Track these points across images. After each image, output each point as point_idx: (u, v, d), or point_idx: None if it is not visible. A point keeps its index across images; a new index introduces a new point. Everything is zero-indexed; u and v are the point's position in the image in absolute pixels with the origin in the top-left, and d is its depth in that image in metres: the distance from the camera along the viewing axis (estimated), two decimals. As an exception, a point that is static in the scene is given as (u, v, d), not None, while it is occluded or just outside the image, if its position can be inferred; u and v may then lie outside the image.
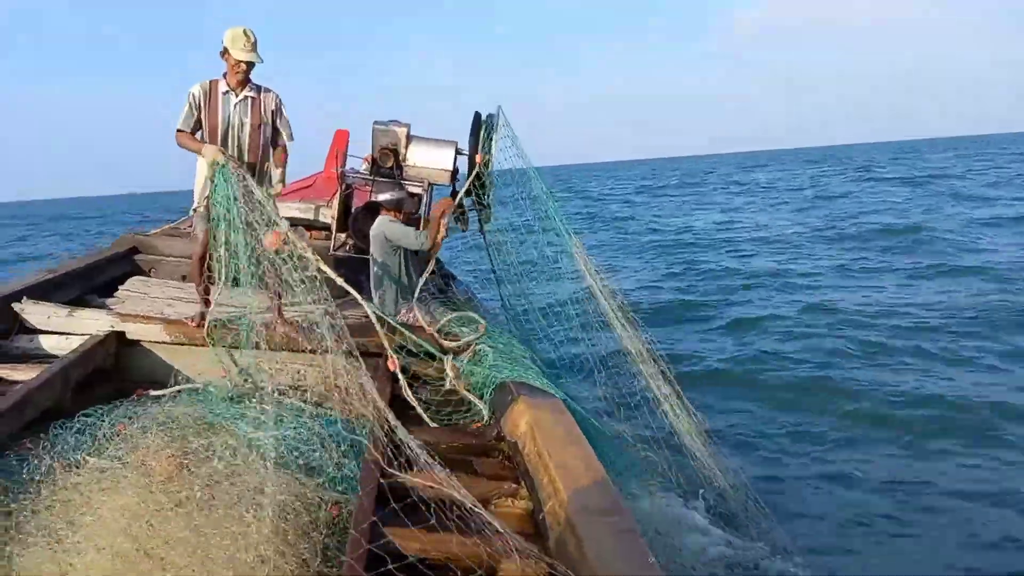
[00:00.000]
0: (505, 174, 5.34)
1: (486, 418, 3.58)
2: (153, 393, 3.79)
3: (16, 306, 3.94)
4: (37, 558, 2.38)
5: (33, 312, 3.97)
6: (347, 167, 6.60)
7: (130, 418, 3.27)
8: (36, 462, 2.81)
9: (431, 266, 4.67)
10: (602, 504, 2.44)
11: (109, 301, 4.39)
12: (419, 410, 3.69)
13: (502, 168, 5.32)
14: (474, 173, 4.97)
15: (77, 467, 2.83)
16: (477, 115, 5.46)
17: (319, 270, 3.70)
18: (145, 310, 4.26)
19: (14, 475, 2.73)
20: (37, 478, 2.73)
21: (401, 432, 3.44)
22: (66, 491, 2.69)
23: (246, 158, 4.04)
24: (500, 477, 3.15)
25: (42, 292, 4.18)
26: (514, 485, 3.06)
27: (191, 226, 6.89)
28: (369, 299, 4.31)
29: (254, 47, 3.98)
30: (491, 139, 5.24)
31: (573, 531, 2.40)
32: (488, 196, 5.28)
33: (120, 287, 4.66)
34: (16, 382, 3.46)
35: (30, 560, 2.41)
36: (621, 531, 2.30)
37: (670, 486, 3.78)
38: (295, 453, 3.21)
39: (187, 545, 2.47)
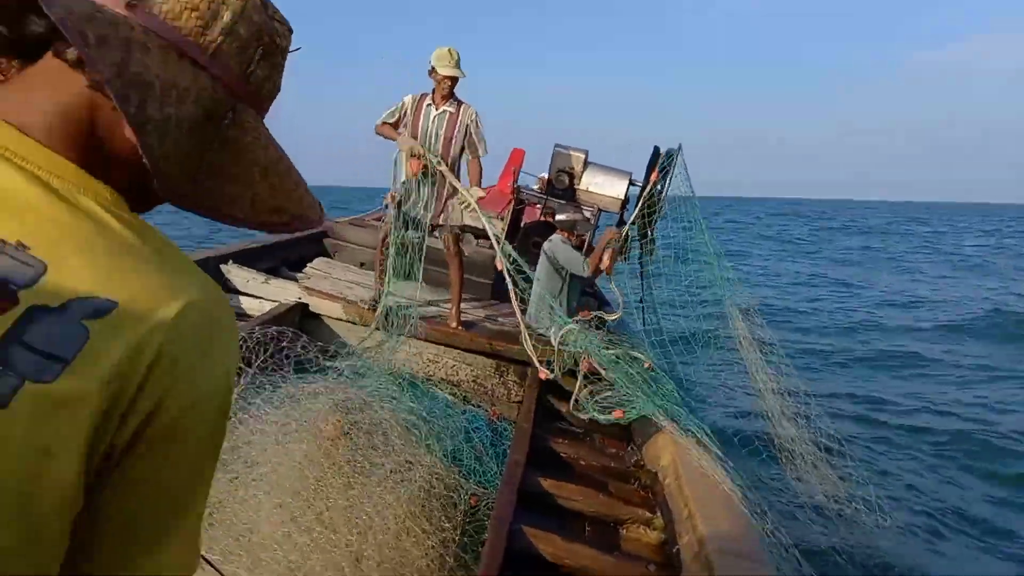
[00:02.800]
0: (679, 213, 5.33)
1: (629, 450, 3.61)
2: (328, 363, 4.14)
3: (223, 267, 4.45)
4: (220, 485, 2.66)
5: (236, 275, 4.46)
6: (518, 185, 6.88)
7: (306, 383, 3.58)
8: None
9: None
10: (742, 547, 2.41)
11: (298, 275, 4.83)
12: (565, 420, 3.77)
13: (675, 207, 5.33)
14: (641, 203, 5.02)
15: (261, 418, 3.13)
16: (656, 149, 5.52)
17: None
18: (327, 288, 4.66)
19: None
20: (231, 416, 3.06)
21: (544, 439, 3.56)
22: (248, 436, 2.99)
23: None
24: (635, 504, 3.17)
25: (244, 259, 4.68)
26: (648, 514, 3.07)
27: (377, 219, 7.44)
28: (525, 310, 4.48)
29: (457, 64, 4.32)
30: (667, 176, 5.27)
31: (709, 570, 2.39)
32: (654, 230, 5.32)
33: (308, 264, 5.12)
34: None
35: (216, 486, 2.71)
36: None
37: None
38: (445, 441, 3.40)
39: (343, 504, 2.69)
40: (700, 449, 3.25)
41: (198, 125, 0.60)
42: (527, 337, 4.13)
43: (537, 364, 4.01)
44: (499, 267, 4.29)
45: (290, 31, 0.70)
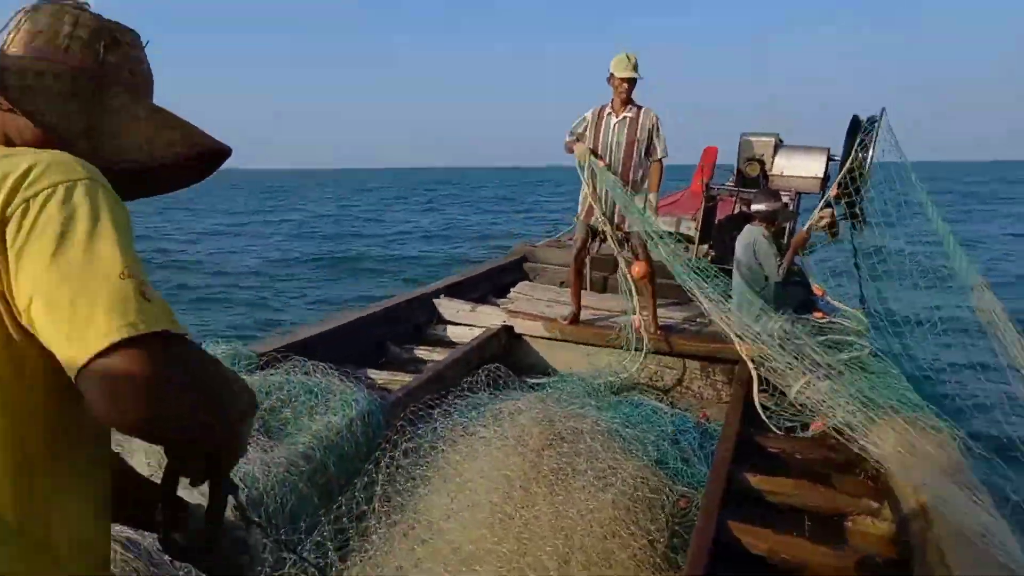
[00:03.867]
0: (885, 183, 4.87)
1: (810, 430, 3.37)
2: (532, 381, 4.34)
3: (435, 300, 4.85)
4: (436, 495, 2.90)
5: (446, 306, 4.84)
6: (714, 181, 6.71)
7: (513, 400, 3.78)
8: (444, 425, 3.44)
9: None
10: (976, 532, 2.17)
11: (502, 301, 5.12)
12: (765, 418, 3.61)
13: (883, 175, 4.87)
14: (840, 175, 4.66)
15: (469, 434, 3.37)
16: (855, 118, 5.13)
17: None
18: (529, 309, 4.88)
19: (426, 431, 3.36)
20: (443, 435, 3.34)
21: (754, 435, 3.43)
22: (459, 451, 3.22)
23: (618, 173, 4.43)
24: (860, 494, 2.95)
25: (454, 292, 5.06)
26: (875, 504, 2.85)
27: (571, 239, 7.64)
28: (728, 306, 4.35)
29: (635, 67, 4.37)
30: (870, 143, 4.85)
31: (943, 560, 2.18)
32: (862, 204, 4.91)
33: (512, 290, 5.40)
34: (432, 361, 4.26)
35: (430, 500, 2.95)
36: (1000, 566, 2.03)
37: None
38: (648, 446, 3.40)
39: (549, 511, 2.81)
40: (929, 434, 2.95)
41: (69, 97, 0.89)
42: (733, 335, 4.00)
43: (736, 342, 3.87)
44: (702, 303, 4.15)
45: (130, 30, 0.98)
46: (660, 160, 4.50)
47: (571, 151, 4.59)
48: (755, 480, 3.01)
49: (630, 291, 4.55)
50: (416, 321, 4.80)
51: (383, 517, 2.78)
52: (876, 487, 2.99)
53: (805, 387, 3.61)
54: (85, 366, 0.70)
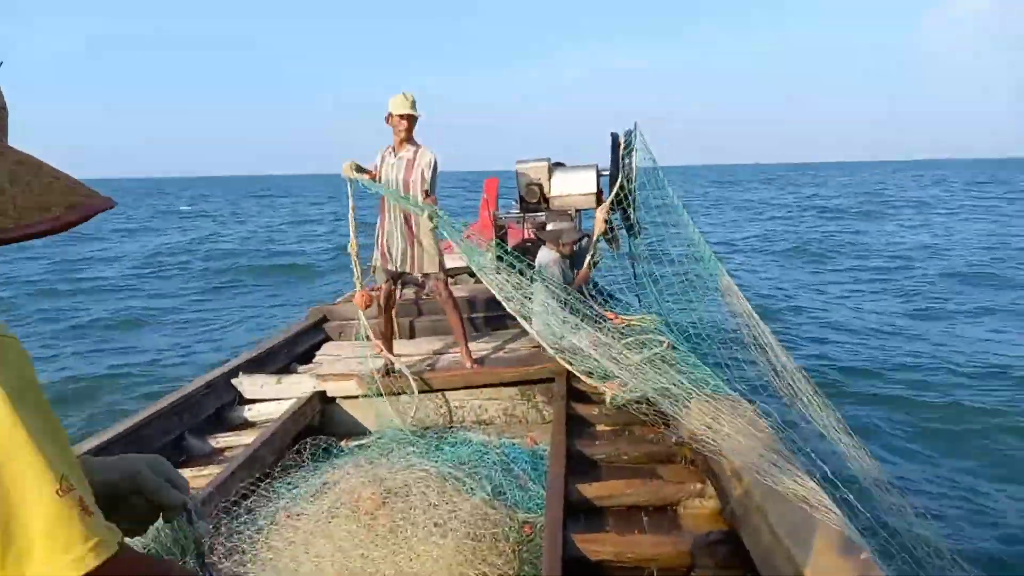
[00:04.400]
0: (651, 194, 5.29)
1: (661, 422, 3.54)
2: (353, 443, 4.14)
3: (234, 381, 4.48)
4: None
5: (248, 384, 4.49)
6: (500, 211, 6.90)
7: (336, 468, 3.57)
8: (263, 514, 3.16)
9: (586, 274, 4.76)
10: (788, 489, 2.34)
11: (307, 368, 4.86)
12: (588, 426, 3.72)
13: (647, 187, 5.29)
14: (616, 185, 5.00)
15: (297, 516, 3.12)
16: (614, 135, 5.52)
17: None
18: (339, 370, 4.67)
19: (245, 522, 3.06)
20: (265, 524, 3.06)
21: (581, 447, 3.50)
22: (285, 536, 2.98)
23: (400, 212, 4.41)
24: (685, 480, 3.10)
25: (253, 367, 4.71)
26: (700, 485, 3.01)
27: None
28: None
29: (412, 105, 4.37)
30: (630, 155, 5.25)
31: (762, 515, 2.32)
32: (634, 211, 5.28)
33: (317, 353, 5.14)
34: (240, 445, 3.92)
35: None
36: (814, 509, 2.20)
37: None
38: (483, 481, 3.36)
39: (392, 570, 2.67)
40: (734, 411, 3.17)
41: None
42: (551, 350, 4.11)
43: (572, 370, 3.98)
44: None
45: None
46: (432, 203, 4.46)
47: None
48: (590, 490, 3.06)
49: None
50: (213, 407, 4.40)
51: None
52: (698, 470, 3.15)
53: (620, 388, 3.77)
54: None
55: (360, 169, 4.48)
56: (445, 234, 4.38)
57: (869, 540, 2.20)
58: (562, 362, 4.05)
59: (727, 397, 3.33)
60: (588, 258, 4.94)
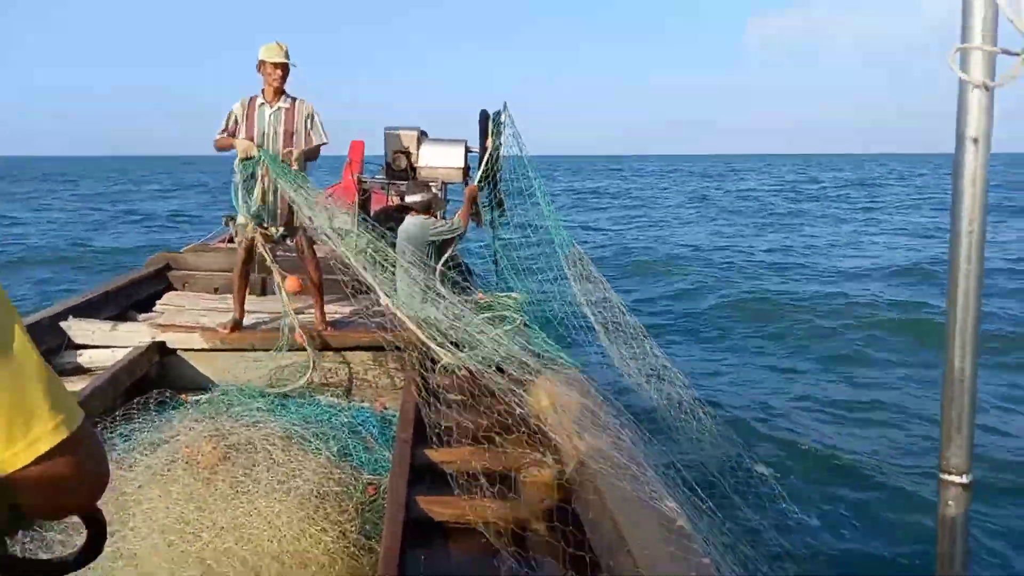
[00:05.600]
0: (514, 173, 5.46)
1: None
2: (193, 398, 4.00)
3: (63, 324, 4.18)
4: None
5: (78, 329, 4.20)
6: (364, 175, 6.81)
7: (175, 422, 3.46)
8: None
9: (450, 251, 4.82)
10: (618, 460, 2.56)
11: (146, 316, 4.61)
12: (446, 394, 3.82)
13: (511, 166, 5.45)
14: (485, 160, 5.11)
15: (130, 467, 3.01)
16: (484, 112, 5.61)
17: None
18: (182, 321, 4.48)
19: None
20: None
21: (429, 414, 3.60)
22: (121, 485, 2.86)
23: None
24: (525, 449, 3.28)
25: (86, 311, 4.42)
26: (539, 455, 3.19)
27: (220, 242, 7.17)
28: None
29: (286, 54, 4.24)
30: (499, 133, 5.37)
31: (594, 481, 2.53)
32: (499, 189, 5.43)
33: (157, 302, 4.89)
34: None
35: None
36: (639, 481, 2.43)
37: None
38: (329, 441, 3.38)
39: (231, 526, 2.65)
40: (576, 386, 3.39)
41: None
42: (408, 321, 4.13)
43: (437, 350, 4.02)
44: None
45: None
46: (318, 147, 4.44)
47: (226, 147, 4.29)
48: (435, 455, 3.17)
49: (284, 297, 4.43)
50: (39, 350, 4.08)
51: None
52: (537, 441, 3.34)
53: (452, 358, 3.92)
54: (34, 463, 0.72)
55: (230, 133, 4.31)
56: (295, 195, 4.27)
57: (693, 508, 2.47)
58: (413, 328, 4.09)
59: (569, 372, 3.55)
60: (468, 194, 5.01)
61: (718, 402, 5.69)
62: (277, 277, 4.39)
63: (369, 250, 4.34)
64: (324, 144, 4.48)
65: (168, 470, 2.93)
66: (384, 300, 4.26)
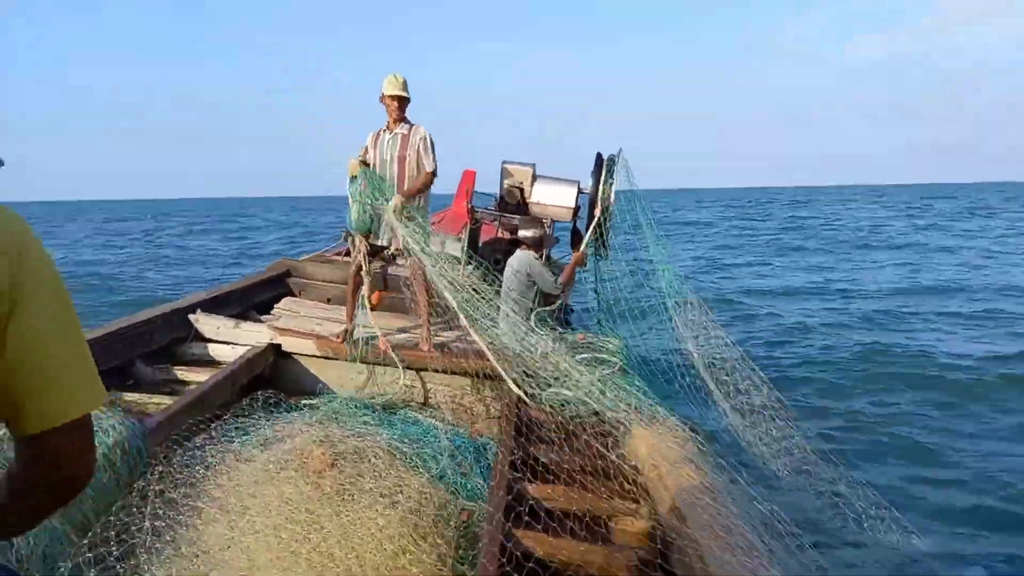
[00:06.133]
0: (623, 216, 5.50)
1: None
2: (304, 401, 4.20)
3: (191, 317, 4.49)
4: (214, 524, 2.71)
5: (205, 323, 4.50)
6: (474, 204, 7.01)
7: (287, 423, 3.64)
8: (212, 452, 3.22)
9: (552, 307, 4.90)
10: (721, 522, 2.54)
11: (266, 318, 4.88)
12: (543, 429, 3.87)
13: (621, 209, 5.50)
14: (598, 212, 5.18)
15: (247, 461, 3.19)
16: (599, 156, 5.70)
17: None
18: (297, 326, 4.72)
19: (195, 458, 3.12)
20: (214, 463, 3.12)
21: (526, 448, 3.66)
22: (234, 478, 3.04)
23: (395, 186, 4.49)
24: (621, 497, 3.28)
25: (211, 307, 4.72)
26: (634, 505, 3.19)
27: (338, 254, 7.50)
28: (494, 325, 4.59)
29: (403, 86, 4.49)
30: (612, 179, 5.44)
31: (696, 548, 2.51)
32: (607, 234, 5.49)
33: (275, 306, 5.17)
34: (192, 382, 3.94)
35: (207, 530, 2.76)
36: (742, 549, 2.40)
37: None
38: (429, 462, 3.48)
39: (338, 533, 2.76)
40: (676, 438, 3.38)
41: None
42: (491, 354, 4.23)
43: (512, 385, 4.10)
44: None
45: None
46: (429, 172, 4.60)
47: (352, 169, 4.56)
48: (530, 489, 3.22)
49: (364, 306, 4.60)
50: (167, 340, 4.40)
51: (154, 553, 2.54)
52: (634, 490, 3.35)
53: (555, 395, 3.97)
54: (66, 425, 0.83)
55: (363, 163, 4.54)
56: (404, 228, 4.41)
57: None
58: (490, 356, 4.16)
59: (669, 423, 3.54)
60: (583, 245, 5.10)
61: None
62: (365, 288, 4.56)
63: (466, 278, 4.48)
64: (430, 172, 4.59)
65: (281, 469, 3.09)
66: (464, 322, 4.34)
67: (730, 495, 2.81)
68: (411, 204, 4.47)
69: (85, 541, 2.44)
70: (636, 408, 3.80)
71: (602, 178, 5.49)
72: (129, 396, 3.70)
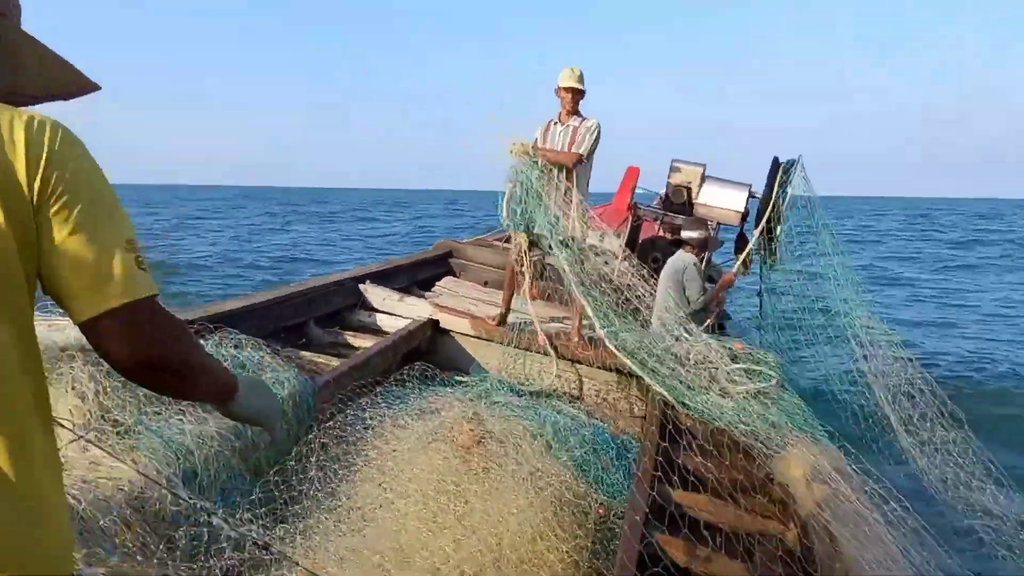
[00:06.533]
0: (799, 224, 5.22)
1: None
2: (456, 377, 4.36)
3: (361, 286, 4.78)
4: (369, 483, 2.87)
5: (373, 293, 4.78)
6: (635, 201, 6.94)
7: (439, 396, 3.79)
8: (372, 415, 3.41)
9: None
10: (880, 553, 2.38)
11: (427, 294, 5.11)
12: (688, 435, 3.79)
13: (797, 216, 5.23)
14: (767, 213, 4.96)
15: (403, 428, 3.35)
16: (775, 160, 5.45)
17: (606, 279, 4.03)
18: (455, 305, 4.90)
19: (356, 419, 3.32)
20: (372, 425, 3.30)
21: (670, 452, 3.59)
22: (389, 441, 3.21)
23: (563, 178, 4.51)
24: (767, 516, 3.15)
25: (380, 279, 5.01)
26: (781, 526, 3.06)
27: (498, 239, 7.70)
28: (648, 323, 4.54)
29: (579, 79, 4.50)
30: (787, 186, 5.18)
31: (846, 577, 2.38)
32: (777, 241, 5.24)
33: (437, 284, 5.39)
34: (357, 347, 4.20)
35: (362, 488, 2.92)
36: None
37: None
38: (573, 452, 3.50)
39: (481, 508, 2.84)
40: (833, 459, 3.20)
41: None
42: (619, 353, 4.15)
43: (661, 390, 4.03)
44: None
45: None
46: (575, 153, 4.51)
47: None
48: (675, 495, 3.16)
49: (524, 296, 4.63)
50: (338, 305, 4.72)
51: (316, 502, 2.74)
52: (784, 511, 3.20)
53: (706, 402, 3.85)
54: (108, 313, 0.89)
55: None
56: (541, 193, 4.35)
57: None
58: (627, 361, 4.07)
59: (829, 448, 3.35)
60: (736, 266, 4.95)
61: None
62: (526, 281, 4.60)
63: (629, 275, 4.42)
64: (578, 153, 4.50)
65: (431, 440, 3.22)
66: (599, 329, 4.24)
67: (891, 526, 2.62)
68: (554, 177, 4.41)
69: (259, 483, 2.67)
70: (792, 425, 3.63)
71: (776, 183, 5.25)
72: (303, 354, 3.99)
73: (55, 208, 0.86)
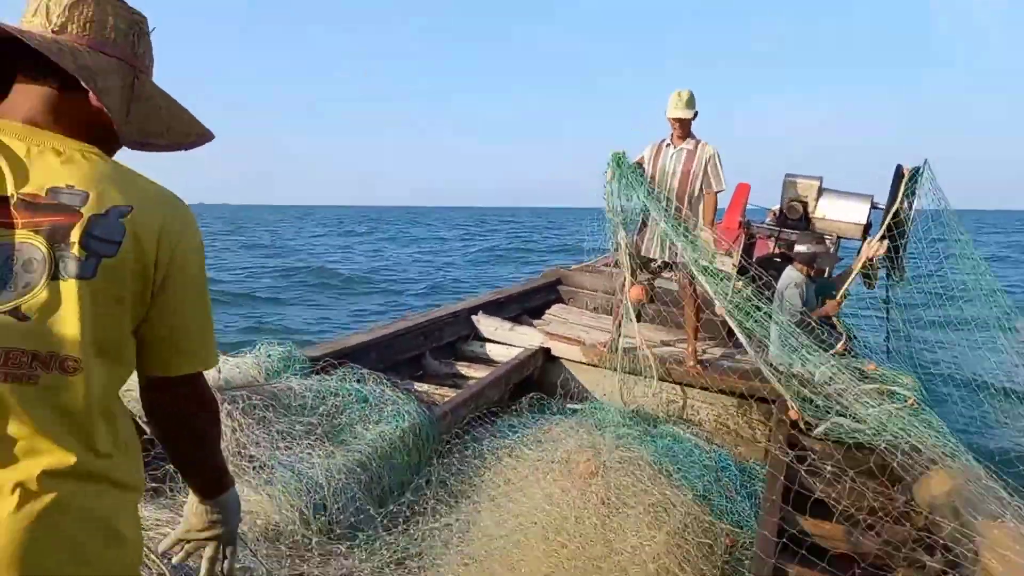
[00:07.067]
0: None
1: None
2: (569, 405, 4.35)
3: (474, 317, 4.88)
4: (486, 513, 2.90)
5: (485, 324, 4.87)
6: (747, 219, 6.72)
7: (554, 425, 3.79)
8: (488, 445, 3.45)
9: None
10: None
11: (537, 322, 5.14)
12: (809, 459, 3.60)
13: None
14: (889, 215, 4.67)
15: (518, 458, 3.36)
16: (899, 168, 5.15)
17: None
18: (565, 332, 4.90)
19: (473, 451, 3.36)
20: (488, 455, 3.34)
21: (798, 478, 3.43)
22: (505, 473, 3.22)
23: (673, 200, 4.44)
24: (907, 545, 2.95)
25: (491, 309, 5.09)
26: (925, 556, 2.85)
27: (606, 264, 7.67)
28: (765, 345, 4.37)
29: (686, 104, 4.41)
30: (913, 195, 4.87)
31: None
32: (902, 255, 4.93)
33: (547, 312, 5.42)
34: (470, 377, 4.27)
35: (484, 518, 2.95)
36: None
37: None
38: (694, 481, 3.40)
39: (601, 541, 2.80)
40: (981, 486, 2.95)
41: (123, 88, 1.00)
42: (769, 373, 4.01)
43: (791, 403, 3.88)
44: (719, 312, 4.20)
45: (145, 19, 1.05)
46: (715, 193, 4.52)
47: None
48: (805, 524, 3.01)
49: (630, 318, 4.53)
50: (452, 336, 4.83)
51: (436, 532, 2.79)
52: (923, 536, 2.99)
53: (837, 425, 3.64)
54: (194, 375, 1.05)
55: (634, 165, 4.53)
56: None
57: None
58: (780, 389, 3.93)
59: (973, 468, 3.10)
60: (843, 289, 4.70)
61: None
62: (628, 298, 4.51)
63: (742, 296, 4.27)
64: (720, 191, 4.51)
65: (547, 472, 3.22)
66: (752, 356, 4.13)
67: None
68: (689, 222, 4.40)
69: (381, 512, 2.75)
70: (934, 448, 3.38)
71: (900, 193, 4.96)
72: (419, 386, 4.10)
73: (178, 282, 0.98)
